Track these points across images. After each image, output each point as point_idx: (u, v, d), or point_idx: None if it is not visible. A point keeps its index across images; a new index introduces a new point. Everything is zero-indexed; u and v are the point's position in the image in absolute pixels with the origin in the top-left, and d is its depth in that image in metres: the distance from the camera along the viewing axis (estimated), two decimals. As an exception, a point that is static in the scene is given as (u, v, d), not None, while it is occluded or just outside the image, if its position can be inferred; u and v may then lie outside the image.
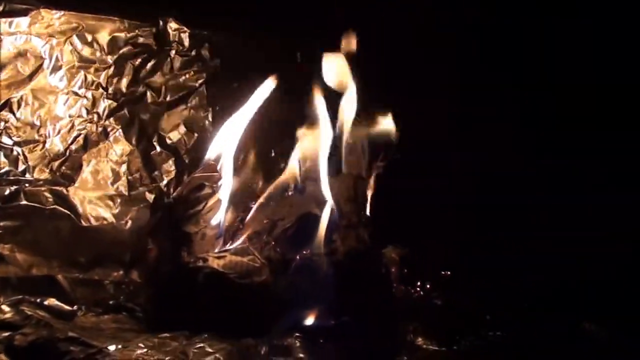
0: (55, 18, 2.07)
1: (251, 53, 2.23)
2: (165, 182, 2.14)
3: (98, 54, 2.12)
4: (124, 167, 2.12)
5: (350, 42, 2.02)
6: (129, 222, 2.08)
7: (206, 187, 1.86)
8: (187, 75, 2.19)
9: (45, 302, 1.77)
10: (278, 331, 1.69)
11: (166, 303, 1.77)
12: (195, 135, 2.19)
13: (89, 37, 2.11)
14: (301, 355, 1.63)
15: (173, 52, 2.18)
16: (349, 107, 2.00)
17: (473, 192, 2.13)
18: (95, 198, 2.07)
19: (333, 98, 1.99)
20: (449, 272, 2.02)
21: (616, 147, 2.10)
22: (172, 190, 2.12)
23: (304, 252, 1.79)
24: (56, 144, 2.07)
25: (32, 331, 1.61)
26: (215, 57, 2.22)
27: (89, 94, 2.11)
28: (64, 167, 2.07)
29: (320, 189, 1.89)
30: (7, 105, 2.02)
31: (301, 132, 1.96)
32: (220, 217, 1.87)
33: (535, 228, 2.08)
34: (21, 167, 2.02)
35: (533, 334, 1.81)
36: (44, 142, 2.05)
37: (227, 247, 1.84)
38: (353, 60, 2.00)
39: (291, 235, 1.81)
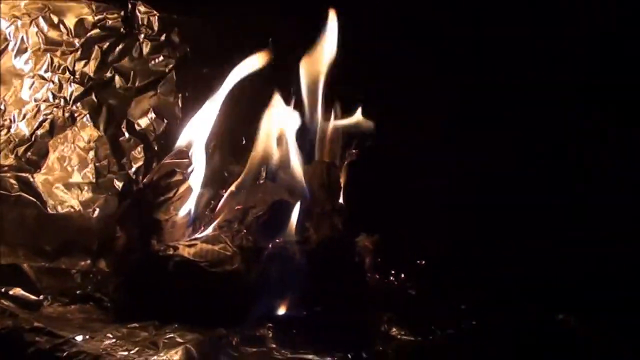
0: (21, -1, 2.02)
1: (221, 38, 2.18)
2: (134, 169, 2.10)
3: (65, 36, 2.07)
4: (91, 154, 2.07)
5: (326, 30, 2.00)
6: (97, 210, 2.04)
7: (177, 174, 1.83)
8: (157, 60, 2.15)
9: (11, 292, 1.74)
10: (250, 321, 1.67)
11: (135, 292, 1.74)
12: (165, 121, 2.14)
13: (56, 19, 2.06)
14: (273, 345, 1.61)
15: (142, 36, 2.13)
16: (321, 93, 1.97)
17: (448, 180, 2.10)
18: (61, 185, 2.03)
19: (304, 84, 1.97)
20: (423, 261, 2.00)
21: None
22: (141, 177, 2.07)
23: (277, 240, 1.77)
24: (21, 129, 2.02)
25: (-3, 321, 1.58)
26: (185, 41, 2.17)
27: (56, 78, 2.06)
28: (29, 153, 2.02)
29: (293, 176, 1.87)
30: (-30, 88, 1.98)
31: (272, 119, 1.93)
32: (191, 204, 1.84)
33: (512, 218, 2.06)
34: (-16, 153, 1.98)
35: (508, 324, 1.79)
36: (9, 127, 2.01)
37: (198, 235, 1.81)
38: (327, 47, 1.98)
39: (263, 223, 1.79)
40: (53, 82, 2.06)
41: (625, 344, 1.73)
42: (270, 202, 1.83)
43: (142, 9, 2.13)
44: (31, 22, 2.03)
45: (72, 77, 2.07)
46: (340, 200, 1.91)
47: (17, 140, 2.01)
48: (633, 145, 2.06)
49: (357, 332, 1.73)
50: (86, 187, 2.05)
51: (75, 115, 2.07)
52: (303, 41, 1.99)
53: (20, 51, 2.02)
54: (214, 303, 1.69)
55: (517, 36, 2.13)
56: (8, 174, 1.98)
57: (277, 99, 1.93)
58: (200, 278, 1.71)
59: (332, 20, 1.99)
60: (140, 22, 2.13)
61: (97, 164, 2.07)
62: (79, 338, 1.53)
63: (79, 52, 2.08)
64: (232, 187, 1.88)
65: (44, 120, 2.04)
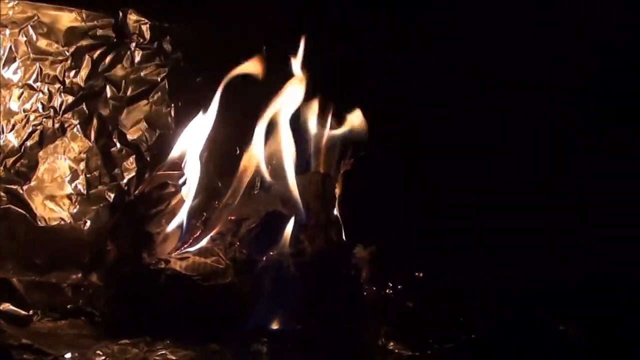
0: (9, 7, 1.97)
1: (214, 46, 2.15)
2: (125, 180, 2.06)
3: (54, 45, 2.02)
4: (82, 165, 2.04)
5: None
6: (88, 222, 2.01)
7: (169, 186, 1.81)
8: (148, 69, 2.11)
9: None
10: (244, 336, 1.65)
11: (126, 307, 1.71)
12: (157, 131, 2.10)
13: (45, 28, 2.02)
14: (268, 360, 1.59)
15: (133, 44, 2.09)
16: (315, 103, 1.96)
17: (447, 190, 2.09)
18: (52, 197, 2.00)
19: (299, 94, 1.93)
20: (421, 274, 1.97)
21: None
22: (132, 188, 2.04)
23: (270, 252, 1.74)
24: (10, 140, 1.98)
25: (-16, 338, 1.55)
26: (177, 50, 2.13)
27: (45, 88, 2.02)
28: (18, 165, 1.98)
29: (287, 187, 1.84)
30: (-44, 99, 1.94)
31: (265, 129, 1.90)
32: (183, 216, 1.80)
33: (511, 228, 2.04)
34: (-27, 164, 1.95)
35: (508, 337, 1.77)
36: (-3, 138, 1.98)
37: (191, 247, 1.78)
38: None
39: (256, 236, 1.76)
40: (42, 92, 2.01)
41: (627, 351, 1.73)
42: (264, 213, 1.80)
43: (133, 17, 2.08)
44: (19, 31, 1.99)
45: (62, 86, 2.03)
46: (335, 212, 1.89)
47: (5, 151, 1.97)
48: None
49: (353, 346, 1.72)
50: (77, 199, 2.02)
51: (66, 125, 2.03)
52: (297, 48, 1.97)
53: (9, 61, 1.98)
54: (206, 318, 1.66)
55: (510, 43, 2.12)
56: (-4, 186, 1.96)
57: (271, 109, 1.91)
58: (193, 292, 1.69)
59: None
60: (131, 31, 2.09)
61: (88, 175, 2.04)
62: (68, 355, 1.52)
63: (69, 62, 2.04)
64: (226, 199, 1.84)
65: (33, 131, 2.00)
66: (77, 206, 2.01)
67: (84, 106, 2.05)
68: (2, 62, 1.97)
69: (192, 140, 1.90)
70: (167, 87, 2.12)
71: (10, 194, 1.95)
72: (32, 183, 1.98)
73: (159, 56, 2.12)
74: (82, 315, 1.77)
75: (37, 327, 1.70)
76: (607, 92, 2.07)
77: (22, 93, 2.00)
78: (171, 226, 1.77)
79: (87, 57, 2.06)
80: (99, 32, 2.07)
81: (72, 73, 2.05)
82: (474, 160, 2.10)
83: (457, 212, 2.07)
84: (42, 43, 2.02)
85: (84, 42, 2.06)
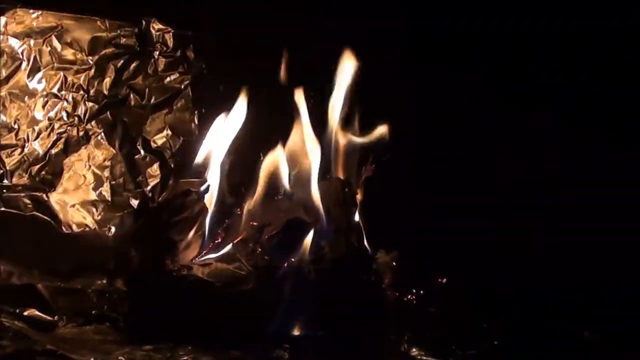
0: (33, 17, 2.00)
1: (237, 53, 2.16)
2: (150, 187, 2.08)
3: (78, 55, 2.05)
4: (106, 172, 2.06)
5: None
6: (112, 229, 2.03)
7: (192, 193, 1.81)
8: (172, 77, 2.13)
9: (25, 313, 1.74)
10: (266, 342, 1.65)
11: (149, 313, 1.72)
12: (181, 138, 2.12)
13: (69, 38, 2.05)
14: (290, 366, 1.60)
15: (157, 53, 2.11)
16: (337, 110, 1.96)
17: (470, 195, 2.09)
18: (77, 204, 2.02)
19: (320, 101, 1.96)
20: (444, 279, 1.96)
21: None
22: (157, 195, 2.06)
23: (292, 259, 1.74)
24: (35, 148, 2.01)
25: (10, 343, 1.55)
26: (200, 58, 2.15)
27: (70, 97, 2.04)
28: (43, 172, 2.01)
29: (309, 194, 1.84)
30: (-17, 108, 1.98)
31: (289, 135, 1.92)
32: (206, 223, 1.82)
33: (534, 234, 2.04)
34: (-1, 172, 1.99)
35: (531, 343, 1.77)
36: (23, 147, 2.00)
37: (213, 254, 1.79)
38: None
39: (278, 242, 1.77)
40: (67, 101, 2.04)
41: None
42: (286, 220, 1.80)
43: (157, 26, 2.11)
44: (44, 41, 2.02)
45: (86, 95, 2.06)
46: (356, 218, 1.88)
47: (30, 159, 2.00)
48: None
49: (375, 352, 1.72)
50: (101, 206, 2.04)
51: (90, 133, 2.06)
52: (321, 54, 1.98)
53: (33, 70, 2.01)
54: (228, 324, 1.67)
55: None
56: (22, 194, 1.97)
57: (294, 115, 1.92)
58: (215, 298, 1.70)
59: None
60: (154, 39, 2.11)
61: (112, 182, 2.06)
62: (92, 360, 1.53)
63: (93, 70, 2.06)
64: (249, 206, 1.86)
65: (58, 139, 2.03)
66: (102, 213, 2.03)
67: (108, 114, 2.08)
68: (27, 71, 2.01)
69: (215, 147, 1.91)
70: (190, 94, 2.14)
71: (36, 201, 1.98)
72: (57, 190, 2.01)
73: (182, 64, 2.14)
74: (106, 320, 1.79)
75: (62, 333, 1.72)
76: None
77: (46, 102, 2.03)
78: (193, 233, 1.79)
79: (110, 65, 2.08)
80: (123, 41, 2.09)
81: (96, 82, 2.07)
82: (497, 166, 2.11)
83: (480, 218, 2.06)
84: (67, 52, 2.05)
85: (107, 51, 2.08)
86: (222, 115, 1.95)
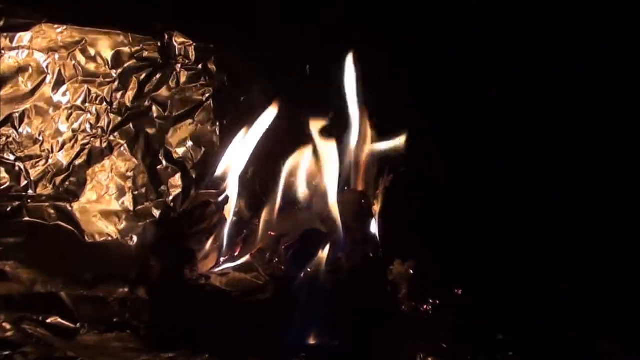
0: (58, 32, 2.05)
1: (259, 66, 2.19)
2: (171, 197, 2.12)
3: (102, 68, 2.10)
4: (129, 182, 2.10)
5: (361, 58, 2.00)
6: (135, 238, 2.06)
7: (211, 205, 1.83)
8: (194, 89, 2.16)
9: (48, 320, 1.76)
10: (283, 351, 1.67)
11: (169, 321, 1.74)
12: (203, 149, 2.16)
13: (92, 51, 2.09)
14: (306, 375, 1.61)
15: (179, 65, 2.15)
16: (355, 121, 1.97)
17: (486, 204, 2.10)
18: (100, 214, 2.06)
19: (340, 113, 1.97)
20: (460, 290, 1.97)
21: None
22: (178, 205, 2.09)
23: (308, 269, 1.75)
24: (59, 159, 2.05)
25: (32, 350, 1.59)
26: (222, 70, 2.18)
27: (93, 109, 2.09)
28: (67, 183, 2.05)
29: (327, 205, 1.85)
30: (9, 120, 2.01)
31: (308, 146, 1.93)
32: (224, 233, 1.84)
33: (551, 244, 2.04)
34: (23, 182, 2.01)
35: (547, 354, 1.77)
36: (47, 157, 2.04)
37: (231, 264, 1.81)
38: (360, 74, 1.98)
39: (295, 252, 1.77)
40: (90, 113, 2.08)
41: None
42: (303, 230, 1.81)
43: (179, 39, 2.15)
44: (68, 55, 2.06)
45: (109, 107, 2.10)
46: (373, 229, 1.89)
47: (55, 170, 2.05)
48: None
49: (391, 362, 1.74)
50: (124, 216, 2.07)
51: (113, 144, 2.10)
52: (341, 66, 1.99)
53: (58, 83, 2.06)
54: (246, 333, 1.69)
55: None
56: (46, 204, 2.01)
57: (314, 125, 1.93)
58: (232, 307, 1.71)
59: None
60: (177, 52, 2.15)
61: (134, 193, 2.09)
62: (112, 368, 1.55)
63: (116, 83, 2.11)
64: (267, 216, 1.87)
65: (81, 150, 2.07)
66: (124, 222, 2.07)
67: (131, 126, 2.12)
68: (52, 85, 2.05)
69: (235, 158, 1.92)
70: (212, 106, 2.17)
71: (60, 211, 2.02)
72: (81, 200, 2.05)
73: (204, 76, 2.17)
74: (127, 328, 1.80)
75: (83, 340, 1.74)
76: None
77: (70, 114, 2.07)
78: (212, 243, 1.81)
79: (133, 78, 2.13)
80: (145, 54, 2.13)
81: (119, 94, 2.11)
82: (517, 177, 2.11)
83: (497, 228, 2.07)
84: (90, 66, 2.09)
85: (130, 64, 2.12)
86: (243, 127, 1.95)
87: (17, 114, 2.02)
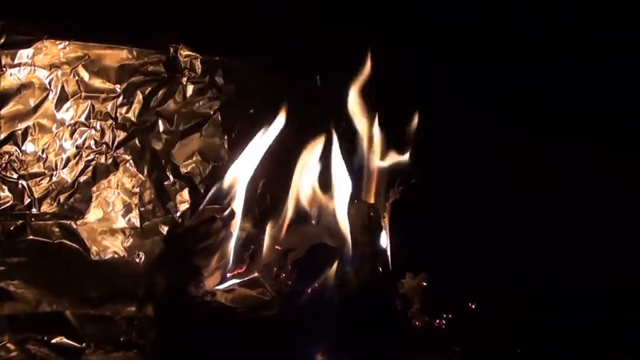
0: (60, 48, 2.02)
1: (267, 77, 2.16)
2: (179, 213, 2.09)
3: (106, 83, 2.07)
4: (135, 199, 2.08)
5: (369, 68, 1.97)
6: (142, 255, 2.04)
7: (217, 220, 1.80)
8: (201, 103, 2.13)
9: (53, 340, 1.76)
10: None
11: (174, 339, 1.70)
12: (211, 164, 2.13)
13: (96, 67, 2.06)
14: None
15: (185, 79, 2.12)
16: (365, 134, 1.95)
17: (500, 215, 2.07)
18: (105, 231, 2.04)
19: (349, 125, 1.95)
20: (474, 304, 1.92)
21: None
22: (187, 221, 2.05)
23: (316, 284, 1.71)
24: (63, 177, 2.03)
25: (36, 370, 1.58)
26: (229, 83, 2.15)
27: (97, 125, 2.06)
28: (72, 200, 2.03)
29: (335, 219, 1.82)
30: (11, 138, 1.99)
31: (317, 159, 1.90)
32: (231, 249, 1.81)
33: (570, 258, 2.01)
34: (27, 200, 1.99)
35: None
36: (51, 175, 2.02)
37: (237, 279, 1.79)
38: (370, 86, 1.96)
39: (302, 267, 1.74)
40: (95, 129, 2.06)
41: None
42: (311, 245, 1.78)
43: (184, 52, 2.11)
44: (71, 71, 2.03)
45: (114, 123, 2.07)
46: (382, 242, 1.86)
47: (59, 187, 2.02)
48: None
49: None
50: (131, 233, 2.05)
51: (118, 160, 2.08)
52: (350, 77, 1.96)
53: (61, 100, 2.03)
54: (252, 350, 1.65)
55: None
56: (50, 222, 1.99)
57: (322, 137, 1.91)
58: (238, 324, 1.68)
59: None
60: (182, 66, 2.12)
61: (141, 209, 2.07)
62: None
63: (120, 98, 2.08)
64: (274, 230, 1.84)
65: (86, 167, 2.05)
66: (131, 239, 2.05)
67: (137, 141, 2.09)
68: (55, 101, 2.03)
69: (241, 172, 1.89)
70: (220, 119, 2.14)
71: (64, 229, 2.00)
72: (86, 218, 2.03)
73: (211, 89, 2.15)
74: (134, 347, 1.79)
75: (89, 360, 1.73)
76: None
77: (74, 130, 2.05)
78: (218, 259, 1.78)
79: (138, 92, 2.10)
80: (150, 68, 2.10)
81: (124, 109, 2.09)
82: (529, 189, 2.08)
83: (512, 241, 2.03)
84: (94, 81, 2.06)
85: (135, 79, 2.09)
86: (251, 140, 1.92)
87: (20, 132, 1.99)
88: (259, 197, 2.07)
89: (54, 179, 2.02)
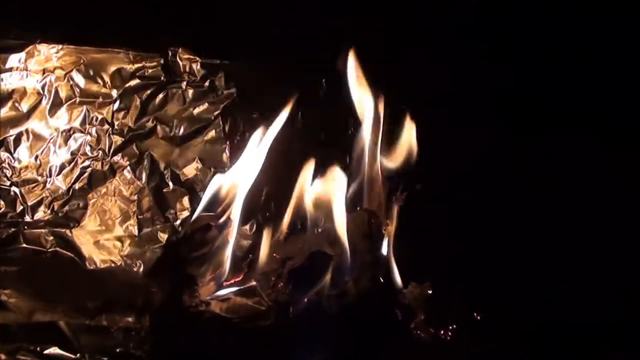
0: (53, 53, 1.99)
1: (270, 80, 2.11)
2: (179, 221, 2.05)
3: (101, 88, 2.04)
4: (133, 206, 2.04)
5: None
6: (141, 264, 2.00)
7: (213, 228, 1.76)
8: (201, 107, 2.09)
9: (46, 351, 1.69)
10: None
11: (170, 350, 1.67)
12: (212, 170, 2.08)
13: (91, 71, 2.03)
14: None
15: (184, 83, 2.08)
16: (367, 140, 1.90)
17: (506, 226, 2.01)
18: (102, 239, 2.00)
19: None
20: (479, 315, 1.87)
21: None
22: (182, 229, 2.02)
23: (314, 293, 1.67)
24: (57, 184, 2.00)
25: (27, 382, 1.54)
26: (230, 86, 2.10)
27: (93, 130, 2.03)
28: (67, 207, 2.00)
29: (334, 226, 1.77)
30: (3, 144, 1.96)
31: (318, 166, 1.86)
32: (228, 257, 1.77)
33: (568, 258, 1.95)
34: (19, 208, 1.97)
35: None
36: (45, 182, 1.99)
37: (234, 288, 1.75)
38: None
39: (300, 276, 1.70)
40: (90, 135, 2.03)
41: None
42: (309, 253, 1.74)
43: (184, 55, 2.07)
44: (65, 76, 2.01)
45: (110, 128, 2.04)
46: (384, 251, 1.80)
47: (53, 195, 2.00)
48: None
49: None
50: (128, 241, 2.01)
51: (115, 167, 2.04)
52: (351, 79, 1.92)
53: (55, 105, 2.00)
54: (247, 360, 1.63)
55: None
56: (44, 230, 1.96)
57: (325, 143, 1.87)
58: (233, 335, 1.64)
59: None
60: (182, 69, 2.08)
61: (139, 217, 2.04)
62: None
63: (117, 103, 2.05)
64: (271, 238, 1.80)
65: (81, 174, 2.02)
66: (129, 248, 2.01)
67: (134, 147, 2.06)
68: (49, 106, 2.00)
69: (239, 179, 1.84)
70: (221, 124, 2.10)
71: (58, 237, 1.97)
72: (81, 225, 2.00)
73: (211, 94, 2.10)
74: (130, 358, 1.73)
75: (83, 371, 1.70)
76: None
77: (69, 136, 2.02)
78: (214, 267, 1.74)
79: (136, 97, 2.06)
80: (148, 72, 2.07)
81: (121, 114, 2.06)
82: (536, 199, 2.04)
83: (520, 250, 1.98)
84: (89, 86, 2.03)
85: (132, 83, 2.06)
86: (254, 144, 1.88)
87: (12, 138, 1.97)
88: (258, 204, 2.02)
89: (48, 185, 1.99)
